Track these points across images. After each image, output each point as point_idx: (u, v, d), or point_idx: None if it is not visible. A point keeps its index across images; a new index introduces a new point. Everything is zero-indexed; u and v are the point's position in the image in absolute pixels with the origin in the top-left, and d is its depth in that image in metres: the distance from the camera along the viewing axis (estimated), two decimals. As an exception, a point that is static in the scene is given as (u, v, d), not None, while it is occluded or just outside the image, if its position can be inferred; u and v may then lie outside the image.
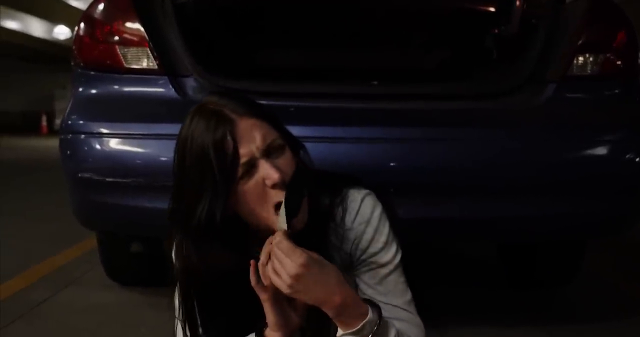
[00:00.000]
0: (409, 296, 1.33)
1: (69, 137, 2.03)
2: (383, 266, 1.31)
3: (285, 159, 1.20)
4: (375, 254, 1.31)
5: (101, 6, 2.15)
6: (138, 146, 1.95)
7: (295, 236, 1.14)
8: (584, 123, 2.01)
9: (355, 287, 1.32)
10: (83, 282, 2.92)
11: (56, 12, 19.74)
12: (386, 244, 1.31)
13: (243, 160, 1.16)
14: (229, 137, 1.16)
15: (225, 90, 1.24)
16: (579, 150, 1.97)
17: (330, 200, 1.30)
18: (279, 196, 1.16)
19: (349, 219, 1.30)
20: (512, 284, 2.88)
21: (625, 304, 2.68)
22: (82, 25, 2.14)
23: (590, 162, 1.98)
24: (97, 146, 1.97)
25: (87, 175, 2.00)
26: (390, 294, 1.31)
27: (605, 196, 1.99)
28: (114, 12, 2.13)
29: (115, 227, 2.22)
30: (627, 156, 1.97)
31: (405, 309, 1.31)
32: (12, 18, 19.19)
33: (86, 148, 1.99)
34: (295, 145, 1.28)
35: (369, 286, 1.31)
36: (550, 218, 1.99)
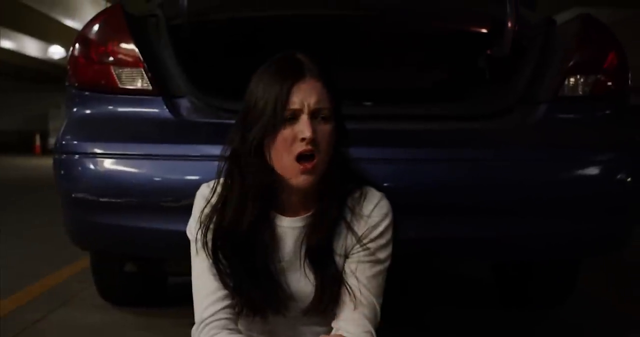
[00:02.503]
0: (381, 298, 1.49)
1: (63, 157, 2.04)
2: (379, 262, 1.48)
3: (325, 128, 1.39)
4: (379, 248, 1.47)
5: (96, 27, 2.16)
6: (132, 166, 1.96)
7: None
8: (575, 143, 2.03)
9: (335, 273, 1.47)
10: (77, 302, 2.90)
11: (51, 32, 19.78)
12: (388, 243, 1.49)
13: (292, 107, 1.36)
14: (293, 86, 1.37)
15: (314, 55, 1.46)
16: (571, 170, 1.99)
17: (354, 184, 1.50)
18: (303, 148, 1.36)
19: (367, 207, 1.47)
20: (506, 303, 2.88)
21: (620, 323, 2.68)
22: (77, 45, 2.15)
23: (582, 182, 1.99)
24: (91, 166, 1.98)
25: (80, 195, 2.01)
26: (373, 290, 1.46)
27: (597, 215, 2.00)
28: (109, 33, 2.14)
29: (108, 247, 2.22)
30: (618, 176, 1.98)
31: (376, 305, 1.47)
32: (7, 37, 19.23)
33: (80, 168, 1.99)
34: (342, 127, 1.46)
35: (358, 279, 1.45)
36: (542, 237, 2.00)
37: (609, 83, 2.12)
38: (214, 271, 1.44)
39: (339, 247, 1.47)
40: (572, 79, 2.09)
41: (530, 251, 2.07)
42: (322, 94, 1.39)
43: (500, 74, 2.44)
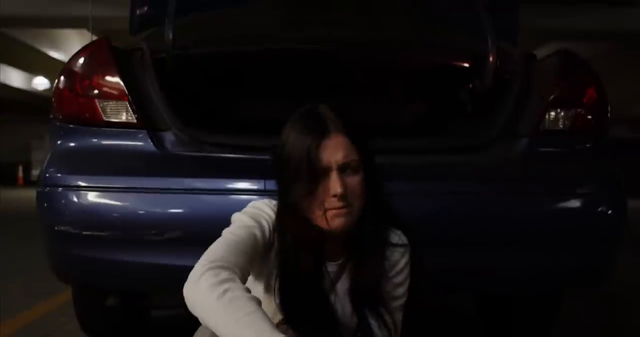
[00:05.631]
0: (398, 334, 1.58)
1: (46, 190, 2.03)
2: (395, 298, 1.57)
3: (355, 179, 1.44)
4: (396, 285, 1.56)
5: (82, 60, 2.17)
6: (116, 200, 1.96)
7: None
8: (556, 177, 2.05)
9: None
10: (58, 336, 2.87)
11: (35, 63, 19.76)
12: (406, 280, 1.58)
13: (321, 165, 1.40)
14: (320, 145, 1.40)
15: (335, 105, 1.52)
16: (552, 203, 2.01)
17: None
18: (334, 204, 1.41)
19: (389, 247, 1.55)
20: (489, 335, 2.88)
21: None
22: (62, 78, 2.16)
23: (562, 215, 2.01)
24: (75, 199, 1.97)
25: (64, 228, 1.99)
26: (392, 325, 1.55)
27: (578, 248, 2.02)
28: (94, 66, 2.15)
29: (91, 281, 2.20)
30: (599, 209, 2.00)
31: None
32: (-9, 69, 19.22)
33: (64, 201, 1.98)
34: (372, 170, 1.49)
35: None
36: (524, 270, 2.02)
37: (589, 117, 2.15)
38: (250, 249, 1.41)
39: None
40: (552, 113, 2.11)
41: (511, 284, 2.08)
42: (348, 147, 1.43)
43: (481, 108, 2.46)
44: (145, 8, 2.87)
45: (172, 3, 2.35)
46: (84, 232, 1.98)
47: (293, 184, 1.42)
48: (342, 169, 1.41)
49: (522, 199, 1.99)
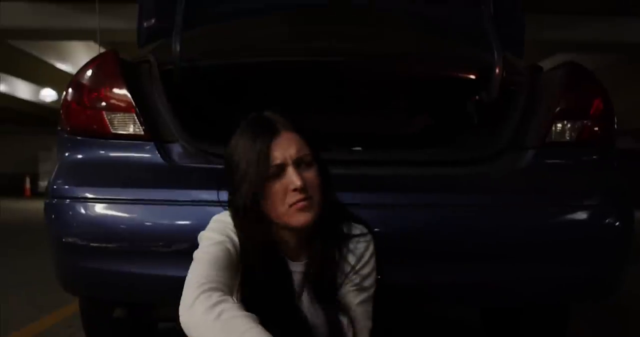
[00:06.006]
0: (370, 322, 1.59)
1: (54, 201, 2.04)
2: (364, 289, 1.57)
3: (311, 173, 1.48)
4: (364, 277, 1.57)
5: (89, 72, 2.18)
6: (123, 211, 1.96)
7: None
8: (563, 189, 2.05)
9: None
10: (65, 348, 2.87)
11: (43, 75, 19.86)
12: (373, 271, 1.59)
13: (276, 162, 1.44)
14: (271, 143, 1.45)
15: (281, 110, 1.56)
16: (558, 215, 2.00)
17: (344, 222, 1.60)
18: (296, 198, 1.44)
19: (352, 240, 1.57)
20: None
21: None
22: (70, 90, 2.17)
23: (569, 227, 2.00)
24: (83, 211, 1.98)
25: (71, 240, 2.00)
26: (362, 315, 1.57)
27: (585, 260, 2.01)
28: (102, 78, 2.16)
29: (99, 293, 2.20)
30: (606, 221, 2.00)
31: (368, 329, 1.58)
32: (-1, 80, 19.33)
33: (71, 213, 1.99)
34: (323, 166, 1.54)
35: (350, 305, 1.55)
36: (531, 283, 2.01)
37: (596, 128, 2.15)
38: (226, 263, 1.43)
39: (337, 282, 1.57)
40: (559, 125, 2.11)
41: (520, 296, 2.07)
42: (300, 142, 1.48)
43: (488, 120, 2.47)
44: (153, 20, 2.89)
45: (179, 15, 2.37)
46: (91, 244, 1.98)
47: (244, 185, 1.45)
48: (297, 163, 1.46)
49: (528, 211, 1.99)
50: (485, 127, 2.46)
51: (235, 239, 1.49)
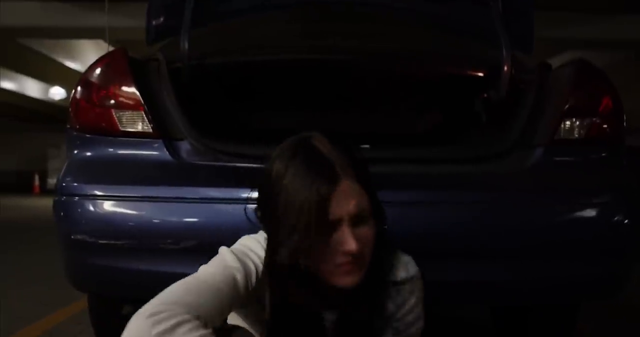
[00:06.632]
0: None
1: (63, 199, 2.04)
2: (410, 335, 1.43)
3: (366, 230, 1.28)
4: (408, 324, 1.43)
5: (98, 70, 2.18)
6: (132, 209, 1.97)
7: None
8: (571, 187, 2.04)
9: None
10: (73, 345, 2.88)
11: (52, 73, 19.93)
12: (419, 319, 1.45)
13: (332, 218, 1.23)
14: (331, 195, 1.22)
15: (331, 134, 1.32)
16: (567, 213, 1.99)
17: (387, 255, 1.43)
18: (346, 260, 1.25)
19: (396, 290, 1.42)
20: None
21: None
22: (79, 88, 2.18)
23: (578, 225, 1.99)
24: (92, 208, 1.98)
25: (80, 237, 2.01)
26: None
27: (594, 258, 2.00)
28: (111, 76, 2.16)
29: (107, 290, 2.21)
30: (615, 219, 1.99)
31: None
32: (9, 79, 19.40)
33: (80, 210, 2.00)
34: (380, 214, 1.35)
35: None
36: (540, 281, 2.00)
37: (605, 126, 2.14)
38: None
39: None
40: (567, 123, 2.10)
41: (529, 295, 2.06)
42: (359, 194, 1.27)
43: (496, 118, 2.46)
44: (162, 18, 2.89)
45: (187, 13, 2.38)
46: (100, 241, 1.99)
47: (293, 236, 1.24)
48: (354, 221, 1.26)
49: (537, 209, 1.98)
50: (494, 125, 2.45)
51: (253, 270, 1.29)
